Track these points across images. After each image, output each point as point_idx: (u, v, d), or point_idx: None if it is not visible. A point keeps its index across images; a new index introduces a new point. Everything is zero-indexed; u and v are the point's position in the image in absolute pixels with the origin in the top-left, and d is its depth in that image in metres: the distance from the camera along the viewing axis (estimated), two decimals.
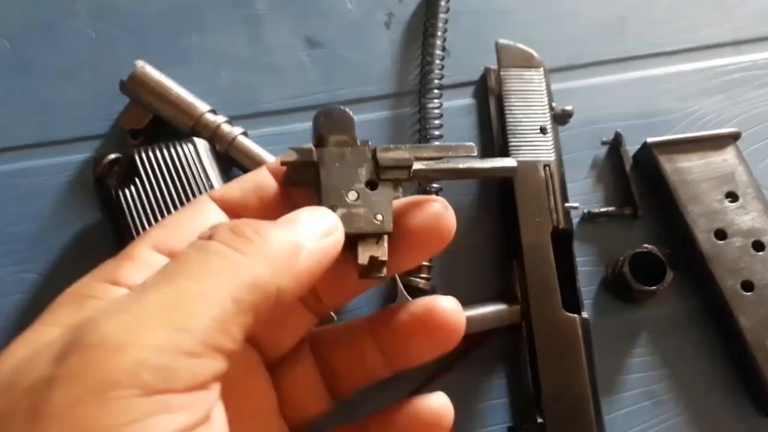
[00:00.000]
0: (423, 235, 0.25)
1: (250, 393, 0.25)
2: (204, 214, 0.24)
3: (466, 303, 0.39)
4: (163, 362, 0.17)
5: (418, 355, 0.26)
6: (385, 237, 0.24)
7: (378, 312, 0.27)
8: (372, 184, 0.25)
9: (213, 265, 0.19)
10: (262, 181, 0.25)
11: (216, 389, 0.18)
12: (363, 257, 0.24)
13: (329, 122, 0.25)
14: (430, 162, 0.26)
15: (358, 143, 0.25)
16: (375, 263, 0.24)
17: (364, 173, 0.25)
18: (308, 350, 0.27)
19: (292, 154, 0.25)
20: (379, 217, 0.25)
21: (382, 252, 0.24)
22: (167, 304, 0.18)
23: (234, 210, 0.25)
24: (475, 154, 0.27)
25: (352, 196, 0.25)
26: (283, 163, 0.25)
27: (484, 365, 0.40)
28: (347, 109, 0.26)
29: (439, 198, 0.26)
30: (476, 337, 0.38)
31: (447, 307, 0.26)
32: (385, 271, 0.25)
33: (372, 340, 0.26)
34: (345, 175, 0.25)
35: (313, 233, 0.22)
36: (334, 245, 0.22)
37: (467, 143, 0.27)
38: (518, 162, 0.39)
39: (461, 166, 0.26)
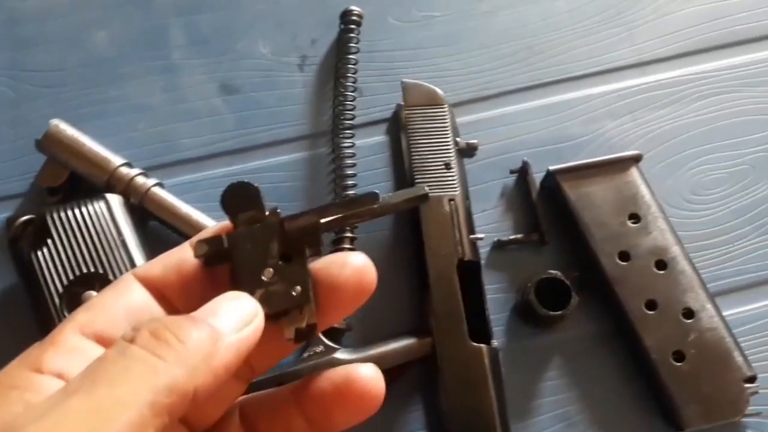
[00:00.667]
0: (348, 291, 0.26)
1: None
2: (128, 293, 0.25)
3: (381, 337, 0.40)
4: None
5: (341, 422, 0.27)
6: (308, 306, 0.25)
7: (302, 380, 0.28)
8: (285, 257, 0.25)
9: (132, 370, 0.20)
10: (183, 258, 0.26)
11: None
12: (289, 332, 0.25)
13: (234, 200, 0.25)
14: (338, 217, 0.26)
15: (267, 213, 0.26)
16: (302, 332, 0.25)
17: (276, 247, 0.25)
18: (237, 418, 0.28)
19: (203, 247, 0.25)
20: (298, 288, 0.25)
21: (307, 319, 0.25)
22: (86, 410, 0.19)
23: (156, 287, 0.25)
24: (378, 202, 0.26)
25: (267, 274, 0.25)
26: (196, 256, 0.25)
27: (402, 397, 0.41)
28: (251, 183, 0.26)
29: (358, 252, 0.26)
30: (392, 372, 0.40)
31: (365, 375, 0.26)
32: (316, 332, 0.25)
33: (297, 409, 0.27)
34: (257, 253, 0.25)
35: (233, 324, 0.23)
36: (254, 333, 0.23)
37: (370, 192, 0.26)
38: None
39: (371, 206, 0.26)
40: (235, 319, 0.23)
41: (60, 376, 0.21)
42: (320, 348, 0.39)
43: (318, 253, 0.26)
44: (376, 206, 0.26)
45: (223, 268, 0.26)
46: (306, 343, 0.39)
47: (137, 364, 0.20)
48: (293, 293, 0.25)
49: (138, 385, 0.20)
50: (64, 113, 0.45)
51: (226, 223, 0.26)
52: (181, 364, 0.21)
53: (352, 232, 0.43)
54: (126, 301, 0.24)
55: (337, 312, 0.26)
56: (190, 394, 0.21)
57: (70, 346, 0.23)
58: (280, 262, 0.25)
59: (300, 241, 0.25)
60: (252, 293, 0.24)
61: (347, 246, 0.42)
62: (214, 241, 0.25)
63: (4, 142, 0.46)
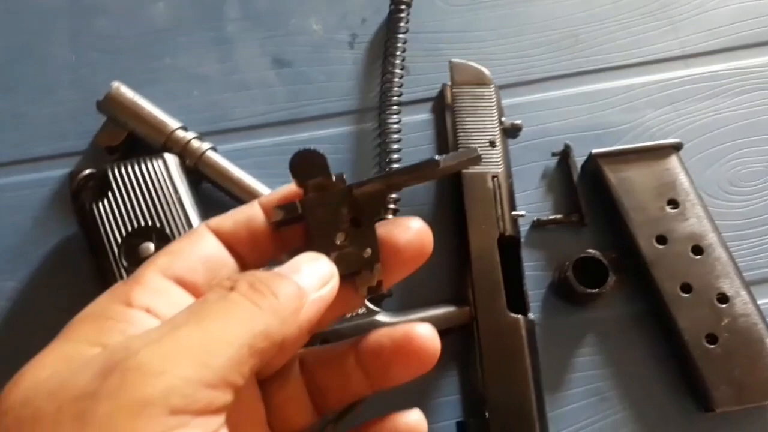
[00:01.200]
0: (410, 252, 0.27)
1: (244, 407, 0.27)
2: (203, 243, 0.26)
3: (421, 305, 0.41)
4: (188, 390, 0.20)
5: (398, 376, 0.29)
6: (377, 266, 0.27)
7: (361, 336, 0.29)
8: (356, 221, 0.27)
9: (234, 313, 0.22)
10: (253, 215, 0.27)
11: (224, 415, 0.22)
12: (362, 291, 0.27)
13: (303, 167, 0.27)
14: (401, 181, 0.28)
15: (334, 180, 0.27)
16: (373, 289, 0.27)
17: (346, 212, 0.27)
18: (297, 368, 0.30)
19: (279, 213, 0.26)
20: (368, 251, 0.27)
21: (376, 278, 0.27)
22: (195, 342, 0.21)
23: (227, 241, 0.27)
24: (439, 168, 0.27)
25: (340, 238, 0.27)
26: (272, 221, 0.27)
27: (437, 364, 0.42)
28: (317, 150, 0.27)
29: (416, 217, 0.28)
30: None
31: (424, 333, 0.28)
32: (383, 288, 0.27)
33: (355, 362, 0.29)
34: (329, 218, 0.26)
35: (314, 283, 0.25)
36: (331, 291, 0.25)
37: (431, 159, 0.27)
38: (467, 172, 0.42)
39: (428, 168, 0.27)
40: (317, 278, 0.25)
41: (148, 311, 0.23)
42: (362, 310, 0.40)
43: (382, 218, 0.27)
44: (435, 170, 0.28)
45: (290, 230, 0.27)
46: None
47: (238, 309, 0.22)
48: (364, 255, 0.26)
49: (239, 327, 0.22)
50: (121, 79, 0.46)
51: (293, 186, 0.27)
52: (274, 315, 0.23)
53: (395, 204, 0.44)
54: (201, 249, 0.26)
55: (399, 271, 0.28)
56: (279, 342, 0.23)
57: (154, 285, 0.24)
58: (350, 227, 0.27)
59: (367, 206, 0.27)
60: (327, 255, 0.26)
61: (391, 216, 0.44)
62: (288, 207, 0.26)
63: (64, 103, 0.48)
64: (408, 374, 0.29)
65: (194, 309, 0.22)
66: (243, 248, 0.27)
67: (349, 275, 0.26)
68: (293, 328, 0.23)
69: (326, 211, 0.26)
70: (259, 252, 0.27)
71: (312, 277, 0.25)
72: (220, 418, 0.21)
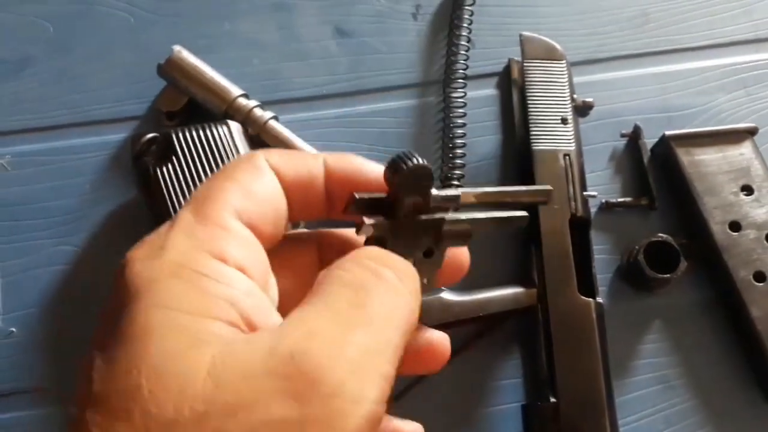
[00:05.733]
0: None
1: None
2: (266, 182, 0.23)
3: (487, 285, 0.40)
4: (380, 414, 0.19)
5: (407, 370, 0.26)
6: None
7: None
8: (429, 252, 0.25)
9: (395, 304, 0.21)
10: (314, 173, 0.24)
11: None
12: None
13: (406, 182, 0.23)
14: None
15: (431, 205, 0.24)
16: None
17: (426, 243, 0.25)
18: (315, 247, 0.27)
19: (369, 230, 0.23)
20: (425, 281, 0.24)
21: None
22: (373, 348, 0.19)
23: (284, 186, 0.24)
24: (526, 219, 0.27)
25: (408, 259, 0.24)
26: (359, 233, 0.24)
27: (500, 345, 0.41)
28: (426, 164, 0.23)
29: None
30: (494, 318, 0.40)
31: (437, 338, 0.26)
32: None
33: None
34: (409, 244, 0.24)
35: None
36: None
37: (520, 213, 0.26)
38: (539, 150, 0.41)
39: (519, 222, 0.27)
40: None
41: (243, 270, 0.21)
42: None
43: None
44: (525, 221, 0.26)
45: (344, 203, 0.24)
46: None
47: (398, 299, 0.21)
48: (423, 282, 0.24)
49: (401, 320, 0.20)
50: (180, 43, 0.45)
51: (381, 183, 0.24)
52: (417, 298, 0.22)
53: (458, 181, 0.43)
54: (267, 190, 0.23)
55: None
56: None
57: (237, 233, 0.21)
58: (423, 256, 0.25)
59: (447, 241, 0.25)
60: None
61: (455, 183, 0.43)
62: (378, 226, 0.23)
63: (122, 66, 0.47)
64: (417, 371, 0.27)
65: (356, 299, 0.20)
66: (295, 201, 0.24)
67: None
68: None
69: (409, 234, 0.24)
70: (307, 211, 0.24)
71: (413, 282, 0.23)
72: None
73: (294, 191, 0.23)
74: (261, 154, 0.23)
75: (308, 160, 0.24)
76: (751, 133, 0.44)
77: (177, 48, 0.44)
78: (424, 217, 0.24)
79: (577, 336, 0.38)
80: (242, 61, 0.47)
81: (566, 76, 0.43)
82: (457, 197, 0.25)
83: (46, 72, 0.46)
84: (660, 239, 0.41)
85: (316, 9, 0.48)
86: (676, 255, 0.40)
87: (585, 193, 0.41)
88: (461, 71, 0.45)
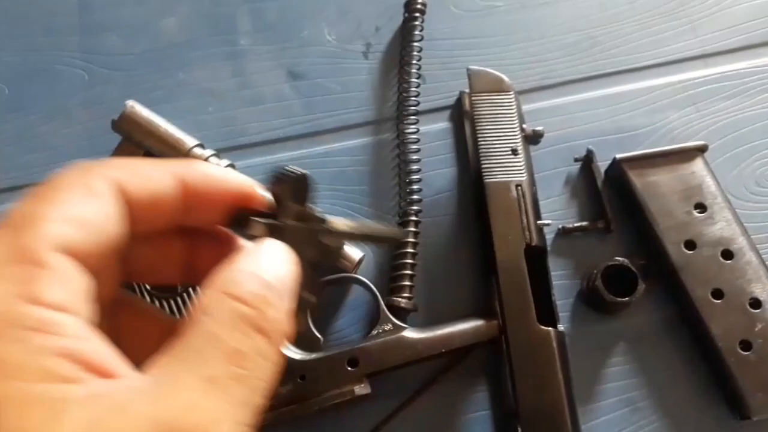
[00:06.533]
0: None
1: None
2: (94, 203, 0.21)
3: (448, 320, 0.41)
4: None
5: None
6: (303, 316, 0.28)
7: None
8: (314, 265, 0.26)
9: (267, 373, 0.21)
10: (164, 184, 0.23)
11: None
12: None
13: (289, 188, 0.26)
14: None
15: (313, 214, 0.26)
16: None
17: (309, 251, 0.26)
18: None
19: (260, 228, 0.25)
20: (306, 294, 0.26)
21: (300, 325, 0.28)
22: (247, 422, 0.20)
23: (131, 203, 0.22)
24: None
25: None
26: (250, 233, 0.25)
27: (467, 379, 0.41)
28: (305, 175, 0.26)
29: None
30: (458, 352, 0.40)
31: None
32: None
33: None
34: (294, 249, 0.25)
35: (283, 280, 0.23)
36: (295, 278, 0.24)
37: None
38: (490, 182, 0.41)
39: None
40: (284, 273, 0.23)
41: (65, 310, 0.19)
42: (389, 326, 0.39)
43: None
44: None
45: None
46: (376, 320, 0.40)
47: (270, 365, 0.21)
48: (302, 296, 0.25)
49: (269, 384, 0.21)
50: (135, 96, 0.45)
51: (269, 197, 0.25)
52: (280, 356, 0.21)
53: (417, 216, 0.44)
54: (95, 214, 0.21)
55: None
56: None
57: (59, 271, 0.19)
58: (308, 266, 0.25)
59: (328, 255, 0.26)
60: None
61: (412, 229, 0.43)
62: (265, 225, 0.25)
63: (77, 123, 0.47)
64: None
65: (234, 371, 0.19)
66: (142, 215, 0.22)
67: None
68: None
69: (294, 238, 0.25)
70: (157, 223, 0.23)
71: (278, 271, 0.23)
72: None
73: (140, 206, 0.22)
74: (96, 171, 0.21)
75: (154, 172, 0.23)
76: (701, 150, 0.44)
77: (130, 103, 0.44)
78: (304, 224, 0.25)
79: (539, 366, 0.38)
80: (197, 109, 0.47)
81: (514, 107, 0.44)
82: (324, 218, 0.26)
83: (2, 133, 0.46)
84: (617, 263, 0.41)
85: (269, 54, 0.49)
86: (634, 277, 0.41)
87: (539, 221, 0.41)
88: (413, 107, 0.46)
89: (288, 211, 0.26)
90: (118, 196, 0.21)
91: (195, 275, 0.25)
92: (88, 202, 0.21)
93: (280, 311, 0.22)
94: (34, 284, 0.18)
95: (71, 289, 0.19)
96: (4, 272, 0.18)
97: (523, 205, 0.41)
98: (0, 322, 0.18)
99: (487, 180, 0.41)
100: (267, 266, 0.22)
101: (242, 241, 0.26)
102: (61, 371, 0.17)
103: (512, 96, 0.44)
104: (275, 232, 0.25)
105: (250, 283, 0.21)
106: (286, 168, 0.26)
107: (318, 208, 0.26)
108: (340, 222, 0.27)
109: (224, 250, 0.25)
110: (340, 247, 0.27)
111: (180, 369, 0.19)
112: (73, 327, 0.18)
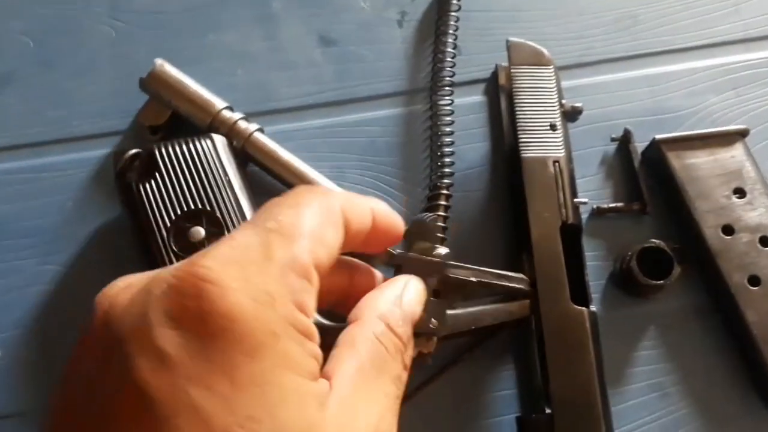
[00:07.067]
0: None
1: None
2: (337, 231, 0.26)
3: (478, 296, 0.40)
4: None
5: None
6: (434, 337, 0.31)
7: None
8: (436, 293, 0.32)
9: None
10: (367, 222, 0.28)
11: None
12: (414, 351, 0.30)
13: (418, 231, 0.33)
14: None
15: (437, 250, 0.33)
16: (422, 356, 0.31)
17: (433, 283, 0.32)
18: None
19: (391, 255, 0.32)
20: (434, 321, 0.31)
21: (429, 347, 0.31)
22: None
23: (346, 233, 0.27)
24: (526, 285, 0.37)
25: None
26: (383, 258, 0.32)
27: (493, 357, 0.40)
28: (432, 222, 0.34)
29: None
30: (486, 330, 0.39)
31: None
32: (429, 361, 0.32)
33: None
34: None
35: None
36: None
37: (520, 275, 0.37)
38: (528, 157, 0.40)
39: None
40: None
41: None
42: None
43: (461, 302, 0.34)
44: (524, 286, 0.37)
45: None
46: None
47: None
48: (429, 324, 0.31)
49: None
50: (163, 56, 0.44)
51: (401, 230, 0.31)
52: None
53: (447, 190, 0.43)
54: (336, 241, 0.25)
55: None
56: None
57: (316, 287, 0.24)
58: (431, 294, 0.31)
59: (453, 288, 0.33)
60: None
61: (443, 203, 0.42)
62: (398, 255, 0.32)
63: (103, 80, 0.46)
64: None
65: (395, 390, 0.25)
66: (347, 244, 0.27)
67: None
68: None
69: (419, 268, 0.32)
70: (350, 248, 0.28)
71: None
72: None
73: (352, 237, 0.27)
74: (332, 199, 0.26)
75: (365, 210, 0.28)
76: (742, 134, 0.43)
77: (159, 61, 0.43)
78: (428, 258, 0.32)
79: (571, 346, 0.37)
80: (226, 72, 0.46)
81: (554, 81, 0.43)
82: (468, 282, 0.34)
83: (26, 88, 0.45)
84: (653, 245, 0.40)
85: (301, 18, 0.48)
86: (669, 261, 0.40)
87: (576, 199, 0.40)
88: (448, 78, 0.45)
89: (415, 248, 0.33)
90: (344, 225, 0.26)
91: (345, 302, 0.29)
92: (330, 228, 0.25)
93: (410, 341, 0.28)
94: (305, 296, 0.22)
95: (315, 303, 0.23)
96: (288, 279, 0.22)
97: (560, 181, 0.40)
98: (284, 322, 0.21)
99: (524, 155, 0.40)
100: (408, 299, 0.29)
101: (377, 272, 0.33)
102: (315, 372, 0.22)
103: (552, 70, 0.43)
104: (406, 263, 0.32)
105: (399, 315, 0.27)
106: (425, 217, 0.34)
107: (443, 250, 0.33)
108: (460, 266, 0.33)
109: (369, 279, 0.32)
110: (468, 285, 0.34)
111: (367, 387, 0.24)
112: (317, 335, 0.23)
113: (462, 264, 0.33)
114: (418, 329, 0.29)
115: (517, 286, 0.36)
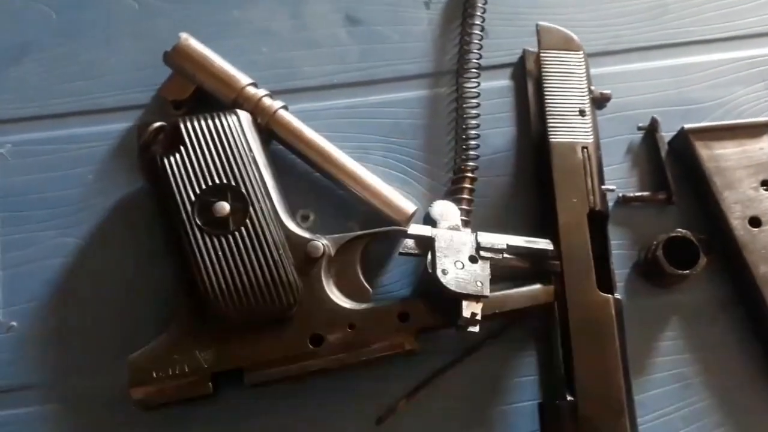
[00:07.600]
0: None
1: None
2: None
3: (502, 282, 0.39)
4: None
5: None
6: (483, 299, 0.34)
7: None
8: (473, 259, 0.36)
9: None
10: None
11: None
12: (467, 311, 0.34)
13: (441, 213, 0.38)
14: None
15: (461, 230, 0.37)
16: (473, 319, 0.34)
17: (467, 250, 0.36)
18: None
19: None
20: (479, 284, 0.35)
21: (476, 309, 0.34)
22: None
23: None
24: (552, 247, 0.38)
25: (458, 265, 0.35)
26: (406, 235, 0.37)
27: (515, 343, 0.40)
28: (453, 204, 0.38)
29: None
30: (510, 315, 0.39)
31: None
32: (477, 328, 0.35)
33: None
34: (452, 250, 0.36)
35: None
36: None
37: (545, 240, 0.38)
38: (556, 142, 0.40)
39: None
40: None
41: None
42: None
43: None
44: (550, 248, 0.38)
45: None
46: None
47: None
48: (476, 285, 0.35)
49: None
50: (187, 31, 0.44)
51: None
52: None
53: (472, 173, 0.42)
54: None
55: None
56: None
57: None
58: (468, 261, 0.36)
59: (486, 252, 0.36)
60: (444, 274, 0.35)
61: (467, 185, 0.42)
62: (422, 238, 0.37)
63: (126, 54, 0.45)
64: None
65: None
66: None
67: (459, 296, 0.34)
68: None
69: (450, 245, 0.36)
70: None
71: None
72: None
73: None
74: None
75: None
76: None
77: (184, 35, 0.43)
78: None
79: (597, 333, 0.37)
80: (251, 49, 0.46)
81: (584, 67, 0.42)
82: (500, 245, 0.38)
83: (48, 58, 0.45)
84: (680, 234, 0.40)
85: None
86: (696, 251, 0.39)
87: (603, 186, 0.40)
88: (475, 61, 0.44)
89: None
90: None
91: None
92: None
93: None
94: None
95: None
96: None
97: (588, 168, 0.40)
98: None
99: (553, 140, 0.40)
100: None
101: None
102: None
103: (581, 55, 0.43)
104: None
105: None
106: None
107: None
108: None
109: None
110: (500, 246, 0.37)
111: None
112: None
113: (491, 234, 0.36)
114: (466, 291, 0.33)
115: (543, 248, 0.38)
